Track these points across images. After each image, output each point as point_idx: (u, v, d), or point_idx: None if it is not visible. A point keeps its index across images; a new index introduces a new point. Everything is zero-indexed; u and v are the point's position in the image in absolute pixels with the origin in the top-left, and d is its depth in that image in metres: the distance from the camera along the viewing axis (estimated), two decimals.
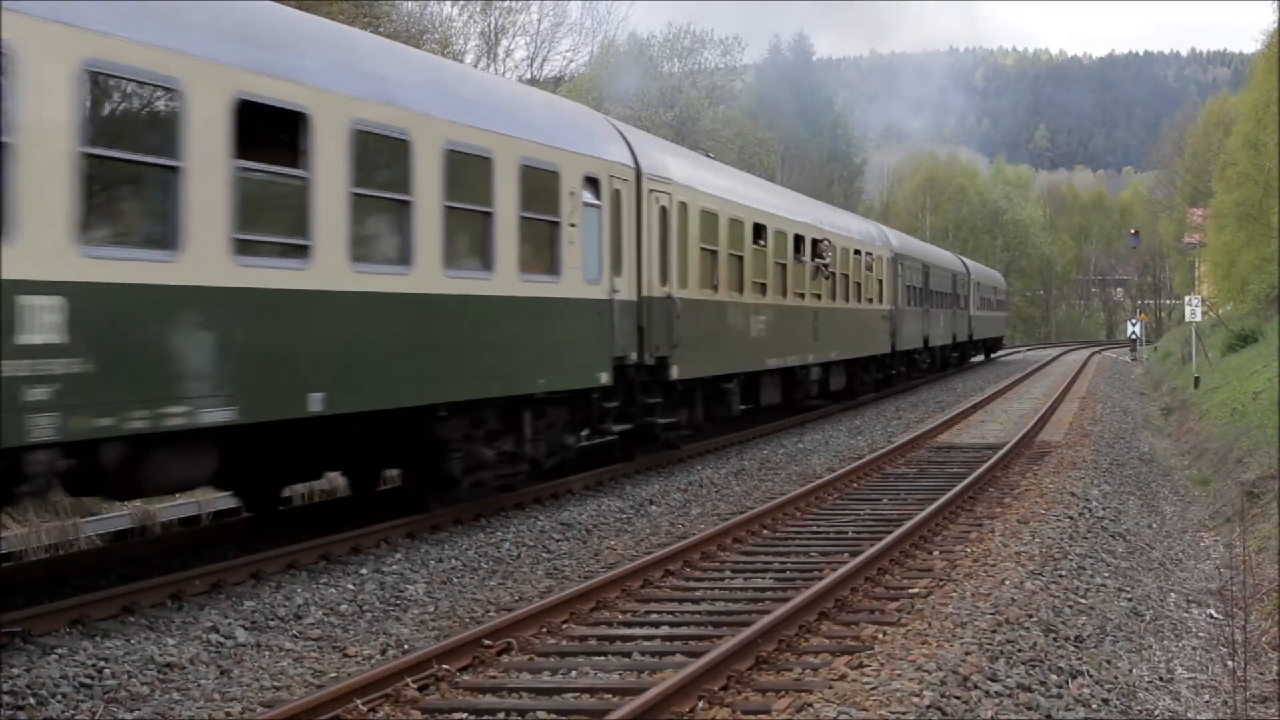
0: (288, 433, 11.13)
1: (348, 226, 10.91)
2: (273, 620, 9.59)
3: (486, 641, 8.58)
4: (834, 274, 26.68)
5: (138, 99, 9.04)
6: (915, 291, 37.20)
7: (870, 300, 31.10)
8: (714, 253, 19.57)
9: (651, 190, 16.97)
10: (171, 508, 14.35)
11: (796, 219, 25.00)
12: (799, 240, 24.62)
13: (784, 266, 23.44)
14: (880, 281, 32.41)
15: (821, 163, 77.69)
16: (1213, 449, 21.84)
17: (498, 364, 13.19)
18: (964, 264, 50.84)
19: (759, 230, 22.04)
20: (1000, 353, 64.23)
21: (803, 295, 24.81)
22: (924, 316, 38.50)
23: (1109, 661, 9.10)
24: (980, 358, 56.67)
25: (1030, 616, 9.47)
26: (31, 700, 7.61)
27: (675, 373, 17.49)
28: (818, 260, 25.62)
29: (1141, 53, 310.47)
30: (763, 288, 22.17)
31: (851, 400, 30.48)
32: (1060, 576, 11.09)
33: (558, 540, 13.18)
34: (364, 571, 11.17)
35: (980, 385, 39.09)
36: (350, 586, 10.68)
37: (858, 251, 29.92)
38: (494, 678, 8.12)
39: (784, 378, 24.19)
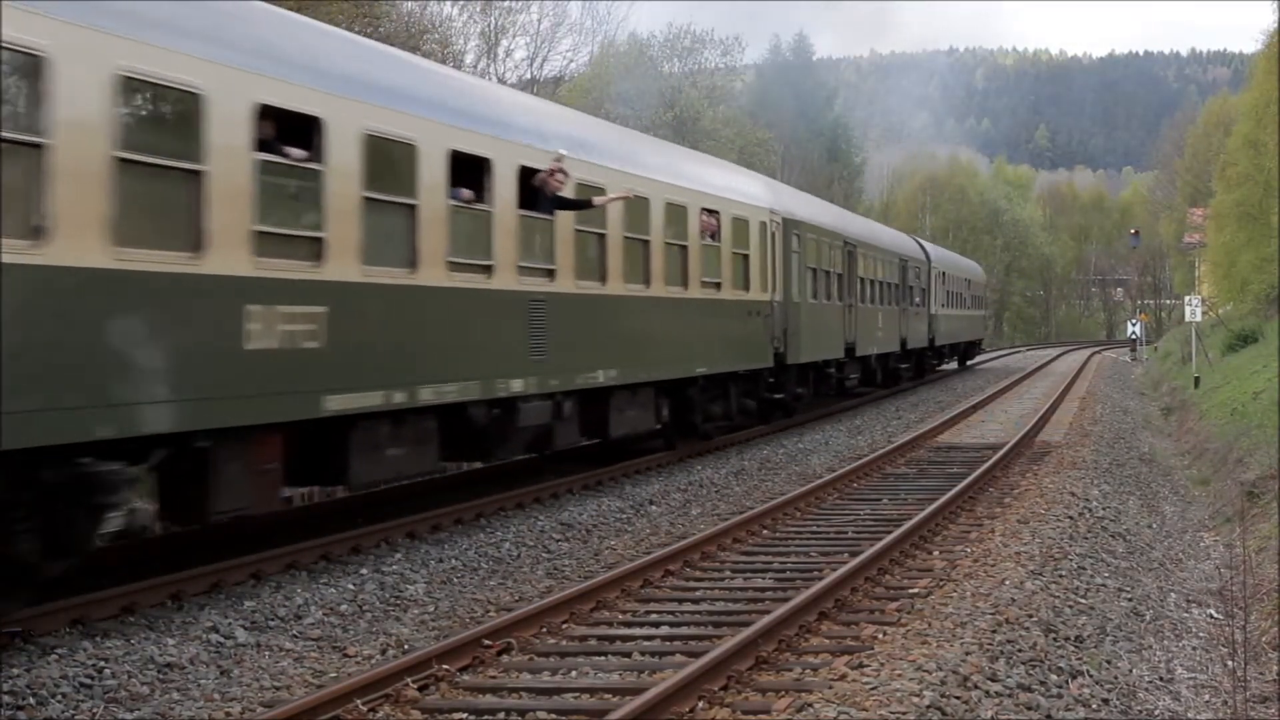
0: None
1: None
2: (273, 620, 9.60)
3: (486, 641, 8.58)
4: (602, 235, 15.60)
5: None
6: (829, 278, 26.39)
7: (719, 285, 19.67)
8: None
9: None
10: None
11: (452, 123, 12.67)
12: (472, 165, 12.96)
13: (411, 209, 11.88)
14: (747, 258, 20.92)
15: (821, 163, 77.66)
16: (1213, 449, 21.83)
17: None
18: (923, 248, 40.47)
19: (293, 128, 10.46)
20: (979, 359, 55.06)
21: (487, 271, 13.16)
22: (846, 314, 27.84)
23: (1109, 661, 9.10)
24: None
25: (1030, 616, 9.47)
26: (31, 700, 7.62)
27: None
28: (542, 178, 14.08)
29: (1141, 53, 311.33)
30: (315, 250, 10.58)
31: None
32: (1060, 576, 11.09)
33: (558, 540, 13.19)
34: (364, 571, 11.18)
35: (980, 385, 39.11)
36: (350, 586, 10.69)
37: (682, 206, 18.18)
38: (494, 678, 8.12)
39: (446, 425, 12.83)
